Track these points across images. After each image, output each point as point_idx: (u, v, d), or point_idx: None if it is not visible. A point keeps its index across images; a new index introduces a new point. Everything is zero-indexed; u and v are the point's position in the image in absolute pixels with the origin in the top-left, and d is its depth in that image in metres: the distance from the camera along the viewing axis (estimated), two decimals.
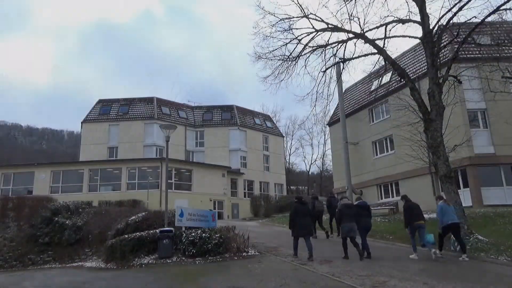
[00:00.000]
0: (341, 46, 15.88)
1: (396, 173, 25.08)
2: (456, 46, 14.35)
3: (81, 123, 40.34)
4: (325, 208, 16.38)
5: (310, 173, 66.74)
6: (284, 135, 52.66)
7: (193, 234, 11.88)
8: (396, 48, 60.70)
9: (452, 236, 10.71)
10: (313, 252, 10.20)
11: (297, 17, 15.77)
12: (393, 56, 15.48)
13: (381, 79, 25.28)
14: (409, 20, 14.48)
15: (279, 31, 16.35)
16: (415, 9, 14.17)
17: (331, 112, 32.81)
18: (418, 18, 13.97)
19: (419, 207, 10.94)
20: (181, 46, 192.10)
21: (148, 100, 41.34)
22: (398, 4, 47.08)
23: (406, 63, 25.71)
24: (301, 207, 10.83)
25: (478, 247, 10.82)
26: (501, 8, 12.56)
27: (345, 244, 10.37)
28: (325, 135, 58.90)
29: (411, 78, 16.74)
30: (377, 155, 27.75)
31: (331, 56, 16.10)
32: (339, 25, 15.50)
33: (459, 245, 10.35)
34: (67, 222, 18.10)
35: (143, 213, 15.34)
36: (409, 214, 10.75)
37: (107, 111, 40.40)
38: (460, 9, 13.08)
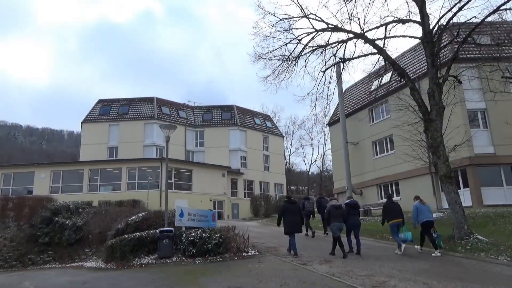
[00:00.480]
0: (341, 46, 15.87)
1: (396, 173, 25.09)
2: (456, 46, 14.34)
3: (81, 123, 40.35)
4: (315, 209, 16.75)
5: (310, 173, 66.88)
6: (284, 135, 52.70)
7: (193, 234, 11.88)
8: (396, 48, 60.78)
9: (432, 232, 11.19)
10: (297, 250, 10.84)
11: (297, 17, 15.76)
12: (393, 56, 15.46)
13: (381, 79, 25.27)
14: (409, 20, 14.46)
15: (279, 31, 16.32)
16: (415, 9, 14.17)
17: (331, 112, 32.86)
18: (418, 18, 13.96)
19: (399, 206, 11.64)
20: (181, 46, 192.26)
21: (148, 100, 41.35)
22: (398, 4, 47.05)
23: (406, 63, 25.71)
24: (290, 206, 11.32)
25: (478, 247, 10.82)
26: (501, 8, 12.55)
27: (340, 243, 10.71)
28: (325, 135, 59.05)
29: (411, 78, 16.73)
30: (377, 155, 27.76)
31: (331, 56, 16.09)
32: (339, 25, 15.48)
33: (421, 240, 11.17)
34: (67, 222, 18.11)
35: (143, 213, 15.33)
36: (385, 213, 11.58)
37: (107, 111, 40.40)
38: (460, 9, 13.07)
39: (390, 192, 26.17)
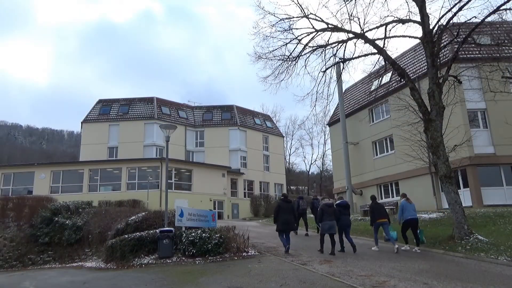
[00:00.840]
0: (341, 46, 15.85)
1: (396, 173, 25.08)
2: (456, 46, 14.33)
3: (81, 123, 40.37)
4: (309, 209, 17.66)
5: (310, 173, 66.93)
6: (284, 135, 52.71)
7: (193, 234, 11.87)
8: (396, 48, 60.83)
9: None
10: (289, 247, 11.25)
11: (297, 17, 15.73)
12: (393, 56, 15.44)
13: (381, 79, 25.27)
14: (409, 20, 14.44)
15: (279, 31, 16.31)
16: (415, 9, 14.15)
17: (331, 112, 32.84)
18: (418, 18, 13.94)
19: (383, 207, 12.46)
20: (181, 46, 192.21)
21: (148, 100, 41.36)
22: (398, 4, 47.10)
23: (406, 63, 25.71)
24: (285, 204, 11.68)
25: (478, 247, 10.81)
26: (501, 8, 12.53)
27: (322, 240, 11.18)
28: (325, 135, 59.12)
29: (411, 78, 16.72)
30: (377, 155, 27.75)
31: (331, 56, 16.06)
32: (339, 25, 15.46)
33: (415, 238, 11.58)
34: (67, 222, 18.11)
35: (143, 213, 15.33)
36: (372, 213, 12.05)
37: (107, 111, 40.41)
38: (460, 9, 13.06)
39: (390, 192, 26.25)
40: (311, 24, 15.58)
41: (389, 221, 11.98)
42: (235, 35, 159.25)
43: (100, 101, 41.83)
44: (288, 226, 11.45)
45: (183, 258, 11.55)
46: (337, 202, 12.32)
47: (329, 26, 15.38)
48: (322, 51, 15.99)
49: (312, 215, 18.59)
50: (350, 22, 15.34)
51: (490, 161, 20.39)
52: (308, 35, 15.80)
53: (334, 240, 10.98)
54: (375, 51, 14.90)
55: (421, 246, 11.57)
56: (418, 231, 11.71)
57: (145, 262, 11.79)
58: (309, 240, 14.43)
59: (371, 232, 15.15)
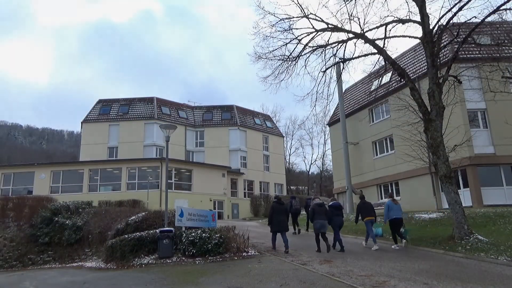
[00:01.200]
0: (341, 46, 15.84)
1: (396, 173, 25.08)
2: (456, 46, 14.32)
3: (81, 123, 40.37)
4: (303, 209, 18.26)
5: (310, 173, 66.93)
6: (284, 135, 52.71)
7: (193, 234, 11.88)
8: (396, 48, 60.85)
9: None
10: (288, 245, 11.58)
11: (297, 17, 15.72)
12: (393, 56, 15.43)
13: (381, 79, 25.26)
14: (409, 20, 14.43)
15: (279, 31, 16.30)
16: (415, 9, 14.14)
17: (331, 112, 32.83)
18: (418, 18, 13.93)
19: (371, 205, 12.85)
20: (181, 46, 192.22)
21: (148, 100, 41.36)
22: (398, 4, 47.07)
23: (406, 63, 25.70)
24: (278, 206, 12.22)
25: (478, 247, 10.80)
26: (501, 8, 12.53)
27: (317, 239, 11.45)
28: (325, 135, 59.14)
29: (411, 78, 16.70)
30: (377, 155, 27.75)
31: (331, 56, 16.05)
32: (339, 25, 15.45)
33: (398, 236, 12.20)
34: (67, 222, 18.10)
35: (143, 213, 15.33)
36: (359, 212, 12.58)
37: (107, 111, 40.42)
38: (460, 9, 13.05)
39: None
40: (311, 24, 15.59)
41: (375, 219, 12.52)
42: (235, 35, 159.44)
43: (100, 101, 41.83)
44: (282, 227, 11.96)
45: (183, 258, 11.56)
46: (330, 203, 12.71)
47: (329, 26, 15.37)
48: (322, 51, 15.99)
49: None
50: (350, 22, 15.35)
51: (490, 161, 20.38)
52: (308, 35, 15.80)
53: (325, 237, 11.33)
54: (375, 51, 14.89)
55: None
56: (404, 230, 12.21)
57: (145, 262, 11.79)
58: (309, 240, 14.42)
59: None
